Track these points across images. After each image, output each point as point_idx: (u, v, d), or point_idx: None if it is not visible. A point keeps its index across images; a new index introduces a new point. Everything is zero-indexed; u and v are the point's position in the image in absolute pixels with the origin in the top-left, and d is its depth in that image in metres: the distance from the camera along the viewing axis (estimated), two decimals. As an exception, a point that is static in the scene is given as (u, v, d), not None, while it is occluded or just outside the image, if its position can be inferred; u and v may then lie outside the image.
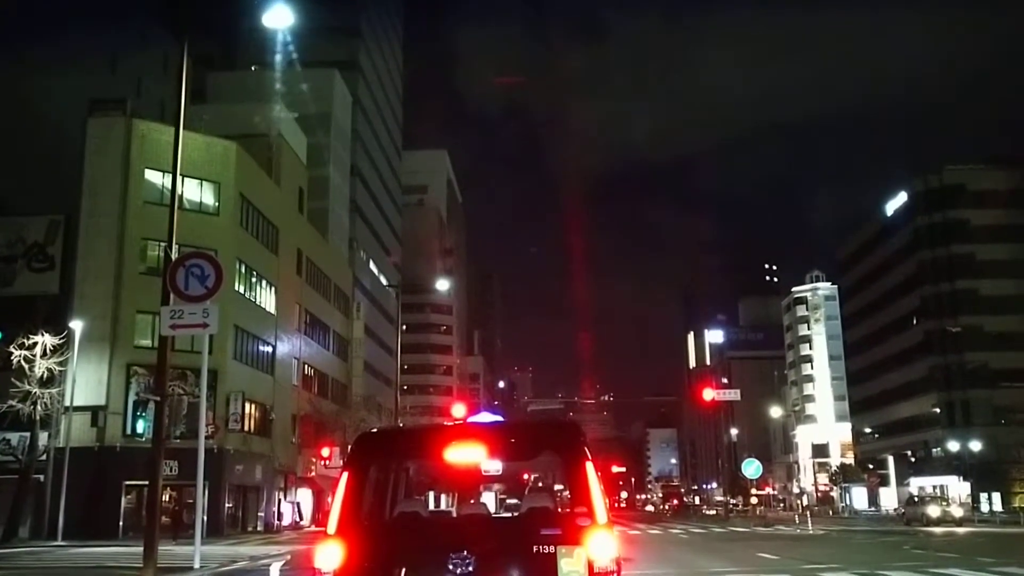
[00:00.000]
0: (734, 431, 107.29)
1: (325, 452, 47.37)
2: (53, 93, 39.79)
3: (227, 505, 39.15)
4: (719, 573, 16.54)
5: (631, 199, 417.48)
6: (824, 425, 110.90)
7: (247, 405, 40.94)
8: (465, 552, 4.93)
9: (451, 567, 4.90)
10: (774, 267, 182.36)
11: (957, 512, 45.09)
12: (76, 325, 32.44)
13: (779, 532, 37.55)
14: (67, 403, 31.86)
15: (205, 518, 28.68)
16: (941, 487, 69.46)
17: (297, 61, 63.32)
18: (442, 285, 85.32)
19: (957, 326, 70.36)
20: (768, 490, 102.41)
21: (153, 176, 37.69)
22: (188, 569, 15.05)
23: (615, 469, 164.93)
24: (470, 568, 4.90)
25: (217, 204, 40.09)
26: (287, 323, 48.17)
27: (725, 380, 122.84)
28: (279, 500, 46.79)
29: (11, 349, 29.22)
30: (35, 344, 29.61)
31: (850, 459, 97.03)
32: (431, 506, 15.06)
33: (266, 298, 45.10)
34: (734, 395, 64.13)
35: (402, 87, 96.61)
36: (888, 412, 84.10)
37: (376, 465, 5.94)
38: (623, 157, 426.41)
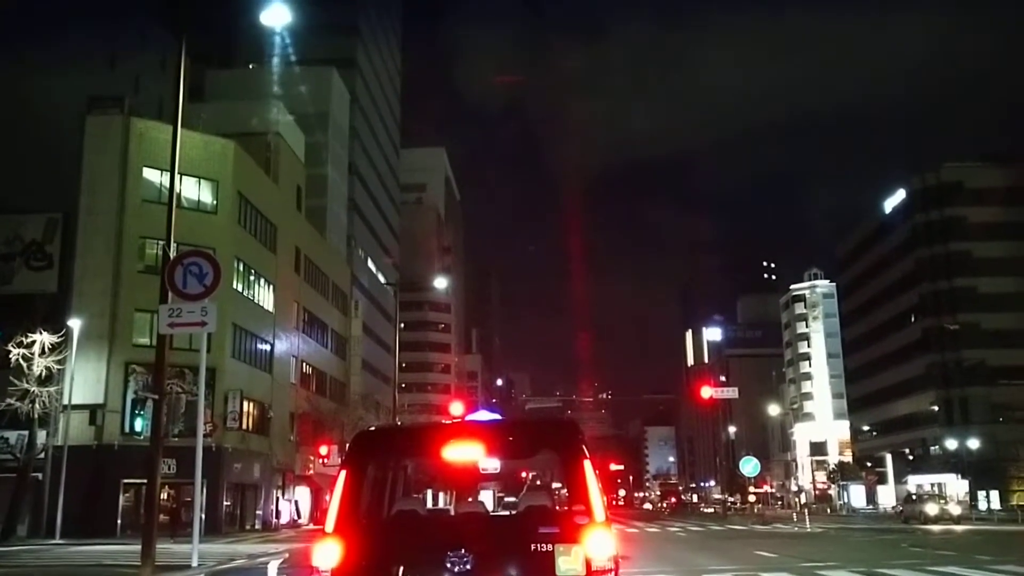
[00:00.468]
0: (732, 429, 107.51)
1: (323, 450, 47.37)
2: (52, 91, 39.71)
3: (225, 503, 39.15)
4: (717, 571, 16.55)
5: (630, 197, 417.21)
6: (822, 423, 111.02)
7: (245, 403, 40.93)
8: (463, 550, 4.93)
9: (449, 565, 4.91)
10: (772, 265, 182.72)
11: (955, 510, 45.11)
12: (74, 323, 32.44)
13: (777, 530, 37.60)
14: (65, 401, 31.86)
15: (203, 516, 28.73)
16: (939, 485, 69.53)
17: (295, 59, 63.29)
18: (440, 283, 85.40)
19: (955, 323, 70.41)
20: (766, 488, 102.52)
21: (151, 174, 37.65)
22: (186, 567, 15.05)
23: (613, 467, 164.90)
24: (468, 566, 4.90)
25: (215, 202, 40.06)
26: (285, 321, 48.16)
27: (723, 378, 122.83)
28: (277, 498, 46.80)
29: (9, 347, 29.21)
30: (33, 342, 29.62)
31: (848, 457, 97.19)
32: (429, 504, 15.07)
33: (264, 296, 45.09)
34: (732, 393, 64.16)
35: (400, 85, 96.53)
36: (886, 410, 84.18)
37: (374, 463, 5.94)
38: (622, 155, 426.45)
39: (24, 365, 29.32)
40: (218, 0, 51.85)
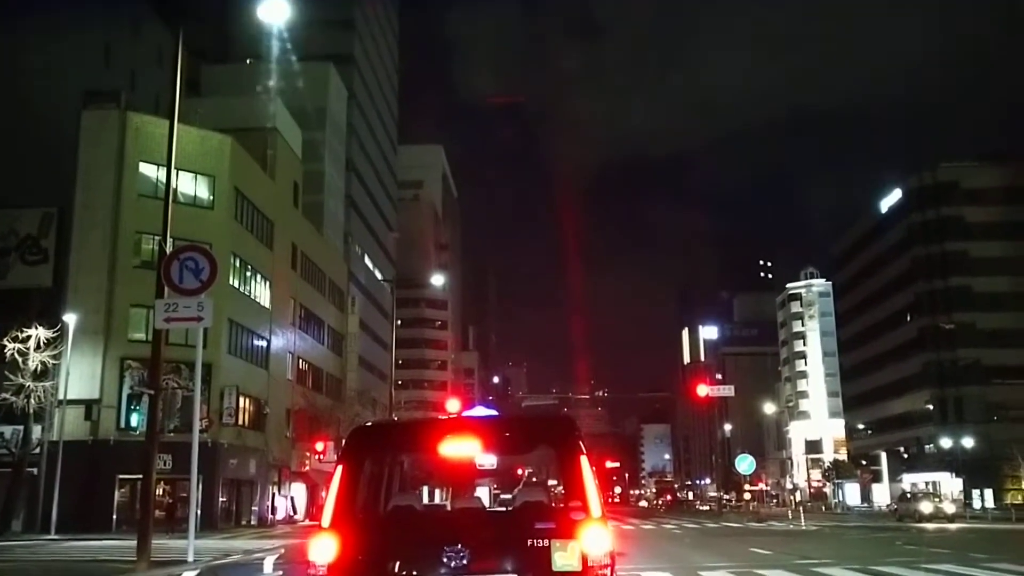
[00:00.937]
0: (728, 427, 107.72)
1: (319, 446, 47.33)
2: (47, 85, 39.62)
3: (221, 499, 39.13)
4: (712, 568, 16.57)
5: (627, 195, 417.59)
6: (817, 421, 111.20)
7: (241, 399, 40.86)
8: (459, 545, 4.93)
9: (445, 560, 4.91)
10: (769, 264, 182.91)
11: (949, 508, 45.18)
12: (70, 318, 32.31)
13: (772, 528, 37.68)
14: (61, 396, 31.78)
15: (199, 512, 28.74)
16: (934, 483, 69.61)
17: (292, 55, 63.13)
18: (437, 280, 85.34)
19: (951, 323, 70.62)
20: (761, 486, 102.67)
21: (147, 169, 37.52)
22: (182, 562, 15.02)
23: (609, 464, 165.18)
24: (464, 561, 4.91)
25: (212, 198, 39.98)
26: (282, 317, 48.11)
27: (719, 376, 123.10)
28: (273, 494, 46.78)
29: (5, 342, 29.19)
30: (29, 337, 29.58)
31: (843, 455, 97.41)
32: (425, 500, 15.06)
33: (261, 292, 45.03)
34: (728, 391, 64.03)
35: (397, 81, 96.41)
36: (881, 408, 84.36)
37: (371, 459, 5.93)
38: (620, 153, 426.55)
39: (19, 360, 29.28)
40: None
